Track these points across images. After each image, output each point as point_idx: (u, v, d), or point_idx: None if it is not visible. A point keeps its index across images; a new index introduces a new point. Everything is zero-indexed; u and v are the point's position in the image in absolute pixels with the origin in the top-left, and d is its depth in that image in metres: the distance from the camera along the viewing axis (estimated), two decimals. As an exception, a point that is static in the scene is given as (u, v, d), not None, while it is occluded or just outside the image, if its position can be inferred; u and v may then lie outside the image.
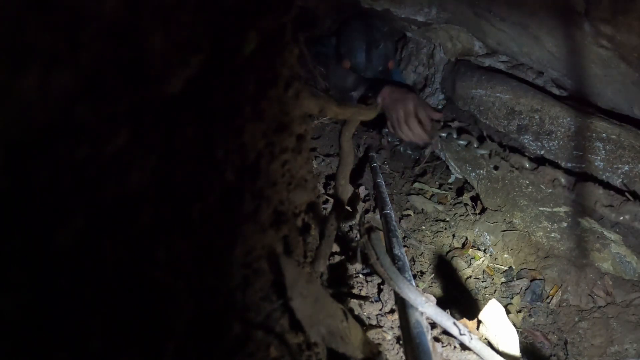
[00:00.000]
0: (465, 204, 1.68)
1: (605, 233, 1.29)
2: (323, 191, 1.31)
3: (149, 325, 0.39)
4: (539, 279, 1.38)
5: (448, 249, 1.52)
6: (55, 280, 0.31)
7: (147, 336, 0.39)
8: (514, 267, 1.45)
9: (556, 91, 1.52)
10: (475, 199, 1.68)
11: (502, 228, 1.51)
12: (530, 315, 1.32)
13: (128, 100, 0.33)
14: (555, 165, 1.41)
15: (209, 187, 0.44)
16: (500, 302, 1.02)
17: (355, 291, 0.94)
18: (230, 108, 0.45)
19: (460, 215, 1.63)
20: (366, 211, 1.38)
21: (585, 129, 1.32)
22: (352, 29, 2.05)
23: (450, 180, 1.85)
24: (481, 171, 1.62)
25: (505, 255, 1.48)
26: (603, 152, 1.29)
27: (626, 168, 1.25)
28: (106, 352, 0.35)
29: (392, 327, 0.86)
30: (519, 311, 1.32)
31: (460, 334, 0.71)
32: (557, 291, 1.34)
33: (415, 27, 1.91)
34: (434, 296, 0.75)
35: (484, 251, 1.50)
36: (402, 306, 0.72)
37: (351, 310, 0.86)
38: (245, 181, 0.49)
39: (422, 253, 1.48)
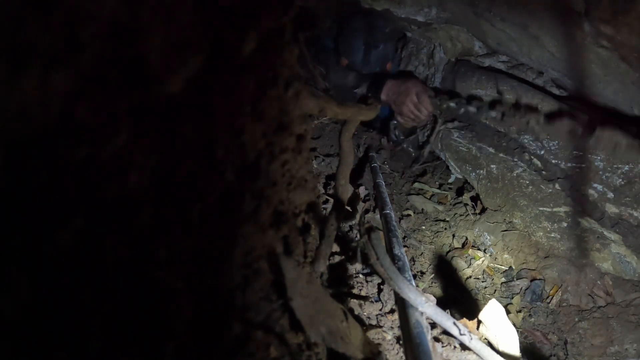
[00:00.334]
0: (465, 204, 1.68)
1: (605, 233, 1.29)
2: (323, 191, 1.31)
3: (149, 325, 0.39)
4: (539, 279, 1.38)
5: (448, 249, 1.52)
6: (55, 280, 0.31)
7: (147, 336, 0.39)
8: (514, 267, 1.45)
9: (556, 91, 1.52)
10: (475, 199, 1.68)
11: (502, 228, 1.51)
12: (530, 315, 1.31)
13: (128, 100, 0.33)
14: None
15: (209, 187, 0.44)
16: (500, 302, 1.02)
17: (355, 291, 0.94)
18: (230, 108, 0.45)
19: (460, 215, 1.63)
20: (366, 211, 1.38)
21: (585, 129, 1.32)
22: (353, 26, 2.04)
23: (450, 180, 1.85)
24: (481, 171, 1.62)
25: (505, 255, 1.48)
26: (603, 151, 1.29)
27: (626, 168, 1.25)
28: (106, 352, 0.35)
29: (392, 327, 0.86)
30: (519, 311, 1.32)
31: (460, 334, 0.71)
32: (557, 291, 1.34)
33: (415, 27, 1.91)
34: (434, 296, 0.75)
35: (484, 251, 1.50)
36: (402, 306, 0.72)
37: (351, 310, 0.86)
38: (245, 181, 0.49)
39: (422, 253, 1.48)
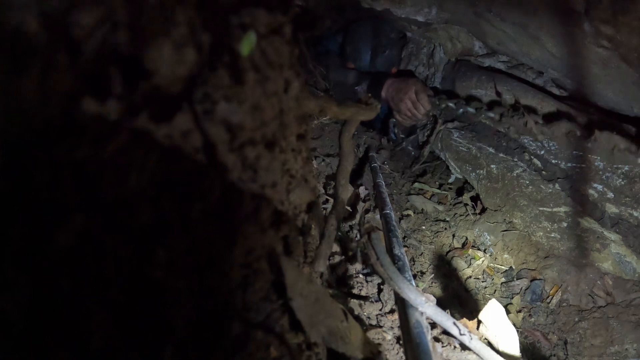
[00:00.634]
0: (465, 204, 1.68)
1: (605, 233, 1.29)
2: (323, 191, 1.31)
3: (149, 325, 0.39)
4: (539, 279, 1.38)
5: (448, 249, 1.52)
6: (55, 280, 0.31)
7: (147, 336, 0.39)
8: (514, 267, 1.45)
9: (556, 91, 1.52)
10: (475, 199, 1.68)
11: (502, 228, 1.51)
12: (530, 315, 1.31)
13: (128, 100, 0.33)
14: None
15: (209, 187, 0.44)
16: (500, 302, 1.02)
17: (355, 291, 0.94)
18: (230, 108, 0.45)
19: (460, 215, 1.63)
20: (366, 211, 1.38)
21: (585, 129, 1.32)
22: (360, 31, 2.05)
23: (450, 180, 1.85)
24: (481, 171, 1.62)
25: (505, 255, 1.48)
26: (601, 154, 1.29)
27: (626, 168, 1.25)
28: (106, 352, 0.35)
29: (392, 327, 0.86)
30: (519, 311, 1.32)
31: (460, 334, 0.71)
32: (557, 291, 1.34)
33: (415, 27, 1.91)
34: (434, 296, 0.75)
35: (484, 251, 1.50)
36: (402, 306, 0.72)
37: (351, 310, 0.86)
38: (245, 181, 0.49)
39: (422, 253, 1.48)
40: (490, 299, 0.93)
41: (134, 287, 0.37)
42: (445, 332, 0.79)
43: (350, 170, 0.86)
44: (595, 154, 1.29)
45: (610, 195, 1.28)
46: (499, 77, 1.62)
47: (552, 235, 1.41)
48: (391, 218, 1.11)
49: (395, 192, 1.75)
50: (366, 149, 1.84)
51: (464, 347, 0.77)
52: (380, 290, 0.96)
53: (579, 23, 1.05)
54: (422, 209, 1.67)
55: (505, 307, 1.31)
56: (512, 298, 1.35)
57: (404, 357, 0.75)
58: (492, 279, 1.41)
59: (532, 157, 1.49)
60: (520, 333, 1.24)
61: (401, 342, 0.80)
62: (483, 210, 1.61)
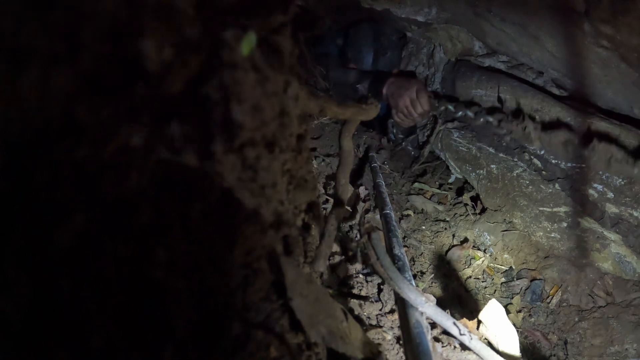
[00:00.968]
0: (465, 204, 1.68)
1: (605, 233, 1.29)
2: (323, 191, 1.31)
3: (149, 325, 0.39)
4: (539, 279, 1.38)
5: (448, 249, 1.52)
6: (55, 280, 0.31)
7: (147, 336, 0.39)
8: (514, 267, 1.45)
9: (556, 91, 1.52)
10: (475, 199, 1.68)
11: (502, 228, 1.51)
12: (530, 315, 1.31)
13: (128, 100, 0.33)
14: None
15: (209, 187, 0.44)
16: (500, 302, 1.02)
17: (355, 291, 0.94)
18: (230, 108, 0.45)
19: (460, 215, 1.63)
20: (366, 211, 1.38)
21: (586, 129, 1.32)
22: (361, 34, 2.06)
23: (450, 180, 1.85)
24: (481, 171, 1.62)
25: (505, 255, 1.48)
26: (600, 161, 1.29)
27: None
28: (106, 352, 0.35)
29: (392, 327, 0.86)
30: (519, 311, 1.32)
31: (460, 334, 0.71)
32: (557, 291, 1.34)
33: (415, 27, 1.91)
34: (434, 296, 0.75)
35: (484, 251, 1.50)
36: (402, 306, 0.72)
37: (351, 310, 0.86)
38: (245, 181, 0.49)
39: (422, 253, 1.48)
40: (490, 299, 0.93)
41: (134, 287, 0.37)
42: (445, 332, 0.79)
43: (350, 170, 0.86)
44: (593, 161, 1.29)
45: (610, 195, 1.28)
46: (499, 77, 1.62)
47: (552, 235, 1.41)
48: (391, 218, 1.11)
49: (395, 192, 1.75)
50: (366, 149, 1.84)
51: (464, 347, 0.77)
52: (380, 290, 0.96)
53: (579, 23, 1.05)
54: (422, 209, 1.67)
55: (505, 307, 1.31)
56: (512, 298, 1.35)
57: (404, 357, 0.75)
58: (492, 279, 1.41)
59: (532, 157, 1.49)
60: (520, 333, 1.24)
61: (401, 342, 0.80)
62: (483, 210, 1.61)
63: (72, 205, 0.31)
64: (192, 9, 0.37)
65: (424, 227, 1.60)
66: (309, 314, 0.52)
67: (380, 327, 0.85)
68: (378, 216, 1.22)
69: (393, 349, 0.80)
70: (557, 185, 1.40)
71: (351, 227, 1.21)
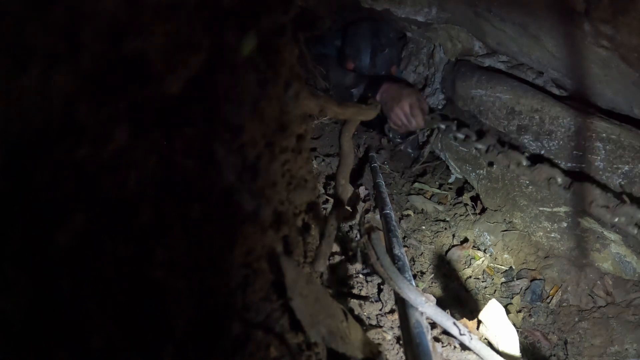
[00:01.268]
0: (465, 204, 1.68)
1: (605, 233, 1.29)
2: (323, 191, 1.31)
3: (149, 325, 0.39)
4: (539, 279, 1.38)
5: (448, 249, 1.52)
6: (55, 280, 0.31)
7: (147, 336, 0.39)
8: (514, 267, 1.45)
9: (556, 91, 1.52)
10: (475, 199, 1.68)
11: (502, 228, 1.51)
12: (530, 315, 1.31)
13: (128, 101, 0.33)
14: (552, 164, 1.40)
15: (209, 187, 0.44)
16: (500, 302, 1.02)
17: (355, 291, 0.94)
18: (230, 108, 0.45)
19: (460, 215, 1.63)
20: (366, 211, 1.38)
21: (585, 129, 1.32)
22: (360, 31, 2.06)
23: (450, 180, 1.85)
24: (481, 171, 1.62)
25: (505, 255, 1.48)
26: (603, 152, 1.29)
27: (626, 168, 1.25)
28: (106, 352, 0.35)
29: (392, 327, 0.86)
30: (519, 311, 1.32)
31: (460, 334, 0.71)
32: (557, 291, 1.34)
33: (415, 27, 1.91)
34: (434, 296, 0.75)
35: (484, 251, 1.50)
36: (402, 306, 0.72)
37: (351, 310, 0.86)
38: (245, 181, 0.49)
39: (422, 253, 1.48)
40: (490, 299, 0.93)
41: (134, 287, 0.37)
42: (445, 332, 0.79)
43: (350, 170, 0.86)
44: (596, 154, 1.30)
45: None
46: (499, 77, 1.62)
47: (552, 235, 1.41)
48: (391, 218, 1.11)
49: (395, 192, 1.75)
50: (366, 149, 1.84)
51: (464, 347, 0.77)
52: (380, 290, 0.96)
53: (579, 23, 1.05)
54: (422, 209, 1.67)
55: (505, 307, 1.31)
56: (512, 298, 1.35)
57: (404, 357, 0.75)
58: (492, 279, 1.41)
59: (532, 157, 1.49)
60: (520, 333, 1.24)
61: (401, 342, 0.80)
62: (483, 210, 1.61)
63: (72, 205, 0.31)
64: (192, 9, 0.37)
65: (424, 227, 1.60)
66: (309, 314, 0.52)
67: (380, 327, 0.85)
68: (378, 216, 1.22)
69: (393, 349, 0.80)
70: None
71: (351, 227, 1.21)
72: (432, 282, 1.37)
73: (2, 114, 0.26)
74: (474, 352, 0.73)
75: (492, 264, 1.46)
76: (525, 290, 1.37)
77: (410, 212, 1.65)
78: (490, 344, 0.78)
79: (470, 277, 1.41)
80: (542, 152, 1.46)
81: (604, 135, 1.28)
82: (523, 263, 1.44)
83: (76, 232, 0.31)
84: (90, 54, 0.29)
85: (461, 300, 1.32)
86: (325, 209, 1.14)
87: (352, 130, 0.86)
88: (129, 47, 0.32)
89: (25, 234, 0.29)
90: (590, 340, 1.21)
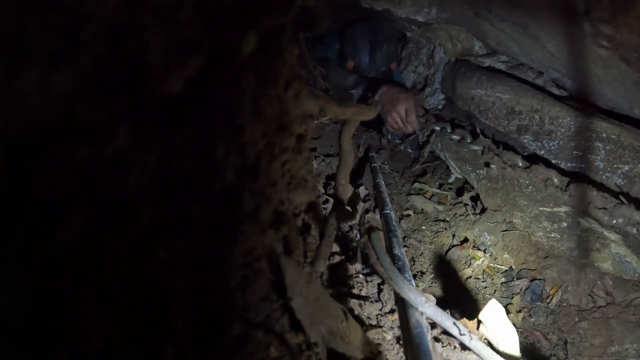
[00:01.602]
0: (465, 204, 1.68)
1: (605, 233, 1.29)
2: (323, 191, 1.31)
3: (149, 325, 0.39)
4: (539, 279, 1.38)
5: (448, 249, 1.52)
6: (55, 280, 0.31)
7: (147, 336, 0.39)
8: (514, 267, 1.45)
9: (556, 91, 1.52)
10: (475, 199, 1.68)
11: (502, 228, 1.51)
12: (530, 315, 1.31)
13: (128, 101, 0.33)
14: (549, 165, 1.40)
15: (209, 187, 0.44)
16: (500, 302, 1.02)
17: (355, 291, 0.94)
18: (230, 108, 0.45)
19: (460, 215, 1.63)
20: (366, 211, 1.38)
21: (585, 129, 1.32)
22: (357, 30, 2.08)
23: (450, 180, 1.85)
24: (481, 171, 1.62)
25: (505, 255, 1.48)
26: (603, 152, 1.29)
27: (626, 168, 1.25)
28: (106, 352, 0.35)
29: (392, 327, 0.86)
30: (519, 311, 1.32)
31: (460, 334, 0.71)
32: (557, 291, 1.34)
33: (415, 27, 1.91)
34: (434, 296, 0.75)
35: (484, 251, 1.50)
36: (402, 306, 0.72)
37: (351, 310, 0.86)
38: (245, 181, 0.49)
39: (422, 253, 1.48)
40: (490, 299, 0.93)
41: (134, 287, 0.37)
42: (445, 332, 0.79)
43: (350, 170, 0.86)
44: (596, 154, 1.30)
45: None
46: (499, 77, 1.62)
47: (552, 235, 1.41)
48: (391, 218, 1.11)
49: (395, 192, 1.75)
50: (366, 149, 1.84)
51: (464, 347, 0.77)
52: (380, 290, 0.96)
53: (579, 23, 1.05)
54: (422, 209, 1.67)
55: (505, 307, 1.31)
56: (512, 298, 1.35)
57: (404, 357, 0.75)
58: (492, 279, 1.41)
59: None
60: (520, 333, 1.24)
61: (401, 342, 0.80)
62: (483, 210, 1.60)
63: (72, 206, 0.31)
64: (192, 9, 0.37)
65: (424, 227, 1.60)
66: (309, 314, 0.52)
67: (380, 327, 0.85)
68: (378, 216, 1.22)
69: (393, 349, 0.80)
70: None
71: (351, 227, 1.21)
72: (432, 282, 1.37)
73: (2, 114, 0.26)
74: (474, 352, 0.73)
75: (492, 264, 1.46)
76: (525, 290, 1.37)
77: (410, 212, 1.65)
78: (490, 344, 0.78)
79: (470, 277, 1.41)
80: (542, 152, 1.46)
81: (604, 135, 1.28)
82: (523, 263, 1.44)
83: (76, 232, 0.31)
84: (90, 54, 0.29)
85: (461, 300, 1.32)
86: (325, 209, 1.14)
87: (352, 130, 0.86)
88: (129, 47, 0.32)
89: (25, 234, 0.29)
90: (590, 340, 1.21)
